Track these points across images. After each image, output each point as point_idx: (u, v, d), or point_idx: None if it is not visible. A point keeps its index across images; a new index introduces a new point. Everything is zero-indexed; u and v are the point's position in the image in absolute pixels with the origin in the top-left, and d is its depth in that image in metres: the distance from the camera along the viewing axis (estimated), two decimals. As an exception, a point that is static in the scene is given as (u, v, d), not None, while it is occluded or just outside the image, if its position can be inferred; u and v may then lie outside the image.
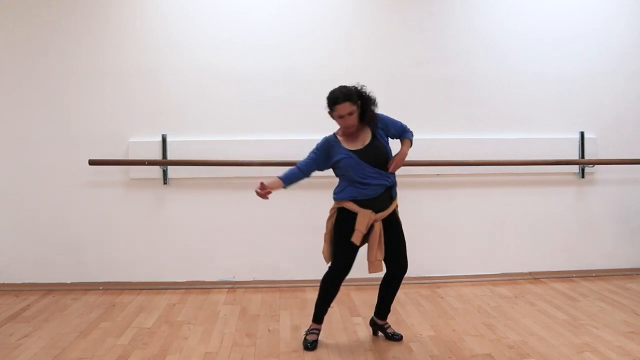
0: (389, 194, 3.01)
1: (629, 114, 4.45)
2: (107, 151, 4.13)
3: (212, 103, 4.19)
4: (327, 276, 3.06)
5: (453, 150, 4.25)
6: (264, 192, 2.94)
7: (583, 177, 4.43)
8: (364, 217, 2.88)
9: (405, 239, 3.07)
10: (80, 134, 4.15)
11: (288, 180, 3.03)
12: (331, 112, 2.94)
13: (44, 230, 4.18)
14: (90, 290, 4.12)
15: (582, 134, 4.39)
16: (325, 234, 3.04)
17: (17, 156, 4.15)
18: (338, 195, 2.99)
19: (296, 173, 3.04)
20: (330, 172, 4.21)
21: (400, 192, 4.27)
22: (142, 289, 4.14)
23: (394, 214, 3.06)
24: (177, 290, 4.13)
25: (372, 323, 3.23)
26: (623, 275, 4.40)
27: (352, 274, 4.27)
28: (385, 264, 3.01)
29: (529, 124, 4.38)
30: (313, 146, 4.14)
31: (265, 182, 2.96)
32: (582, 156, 4.39)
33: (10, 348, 3.05)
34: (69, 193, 4.17)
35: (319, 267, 4.25)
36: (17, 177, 4.16)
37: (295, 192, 4.23)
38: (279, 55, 4.19)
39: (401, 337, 3.13)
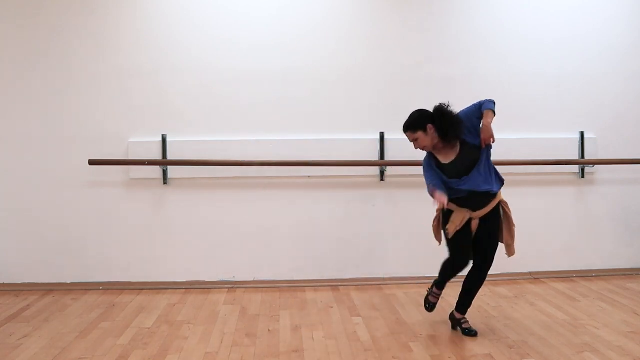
0: (483, 194, 3.09)
1: (629, 114, 4.45)
2: (107, 151, 4.13)
3: (212, 103, 4.19)
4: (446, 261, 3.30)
5: (453, 150, 4.25)
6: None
7: (583, 177, 4.43)
8: (459, 214, 3.09)
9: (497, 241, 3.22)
10: (80, 134, 4.15)
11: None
12: None
13: (44, 230, 4.18)
14: (90, 290, 4.12)
15: (582, 134, 4.39)
16: (434, 219, 3.33)
17: (17, 156, 4.15)
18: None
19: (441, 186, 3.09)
20: (328, 172, 4.23)
21: (400, 192, 4.31)
22: (142, 289, 4.14)
23: (495, 212, 3.15)
24: (177, 290, 4.13)
25: (451, 317, 3.34)
26: (623, 275, 4.40)
27: (352, 274, 4.31)
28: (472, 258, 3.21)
29: (529, 124, 4.37)
30: (312, 146, 4.18)
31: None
32: (582, 156, 4.39)
33: (10, 348, 3.05)
34: (69, 193, 4.17)
35: (319, 267, 4.28)
36: (17, 177, 4.16)
37: (295, 192, 4.25)
38: (279, 56, 4.19)
39: (476, 333, 3.17)
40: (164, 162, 4.13)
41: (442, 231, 3.25)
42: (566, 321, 3.39)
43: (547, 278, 4.34)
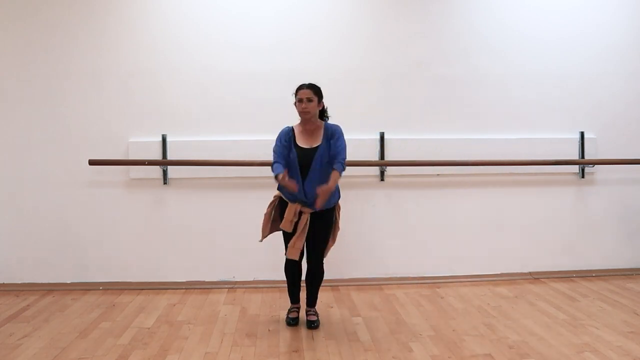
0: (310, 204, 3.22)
1: (629, 114, 4.46)
2: (107, 151, 4.13)
3: (212, 103, 4.19)
4: (284, 264, 3.43)
5: (453, 150, 4.25)
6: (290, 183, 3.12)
7: (583, 177, 4.43)
8: (291, 208, 3.22)
9: (325, 244, 3.38)
10: (80, 134, 4.15)
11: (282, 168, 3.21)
12: (295, 98, 3.29)
13: (44, 230, 4.18)
14: (90, 290, 4.12)
15: (582, 134, 4.39)
16: (265, 214, 3.40)
17: (17, 156, 4.15)
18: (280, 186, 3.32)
19: (282, 165, 3.21)
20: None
21: (400, 192, 4.32)
22: (142, 289, 4.14)
23: (327, 215, 3.31)
24: (177, 290, 4.13)
25: (305, 309, 3.50)
26: (623, 275, 4.40)
27: (352, 274, 4.31)
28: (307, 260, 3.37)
29: (529, 124, 4.38)
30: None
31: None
32: (582, 156, 4.39)
33: (10, 348, 3.05)
34: (69, 193, 4.17)
35: (319, 267, 4.27)
36: (17, 177, 4.16)
37: (295, 192, 4.24)
38: (279, 56, 4.19)
39: (316, 326, 3.33)
40: (164, 162, 4.13)
41: (270, 225, 3.38)
42: (566, 321, 3.40)
43: (547, 278, 4.34)
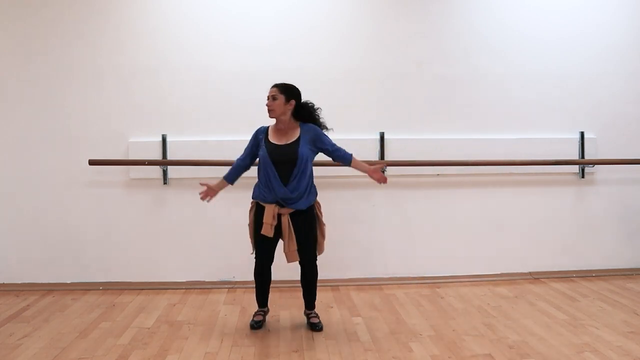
0: (291, 202, 3.20)
1: (629, 114, 4.46)
2: (107, 151, 4.13)
3: (212, 103, 4.19)
4: (254, 268, 3.36)
5: (453, 150, 4.25)
6: (206, 195, 3.35)
7: (583, 177, 4.43)
8: (268, 210, 3.17)
9: (318, 236, 3.33)
10: (80, 134, 4.15)
11: (230, 177, 3.37)
12: None
13: (44, 230, 4.18)
14: (90, 290, 4.12)
15: (582, 134, 4.39)
16: (249, 225, 3.35)
17: (17, 156, 4.15)
18: (253, 193, 3.33)
19: (235, 167, 3.38)
20: (328, 172, 4.23)
21: (400, 192, 4.32)
22: (142, 289, 4.14)
23: (308, 214, 3.26)
24: (177, 290, 4.13)
25: (304, 312, 3.46)
26: (623, 275, 4.40)
27: (352, 274, 4.31)
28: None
29: (529, 124, 4.38)
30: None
31: (210, 184, 3.34)
32: (582, 156, 4.39)
33: (10, 348, 3.05)
34: (69, 193, 4.17)
35: (319, 267, 4.26)
36: (17, 177, 4.16)
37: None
38: (279, 56, 4.18)
39: (320, 328, 3.29)
40: (164, 162, 4.13)
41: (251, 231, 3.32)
42: (566, 321, 3.40)
43: (547, 278, 4.34)
